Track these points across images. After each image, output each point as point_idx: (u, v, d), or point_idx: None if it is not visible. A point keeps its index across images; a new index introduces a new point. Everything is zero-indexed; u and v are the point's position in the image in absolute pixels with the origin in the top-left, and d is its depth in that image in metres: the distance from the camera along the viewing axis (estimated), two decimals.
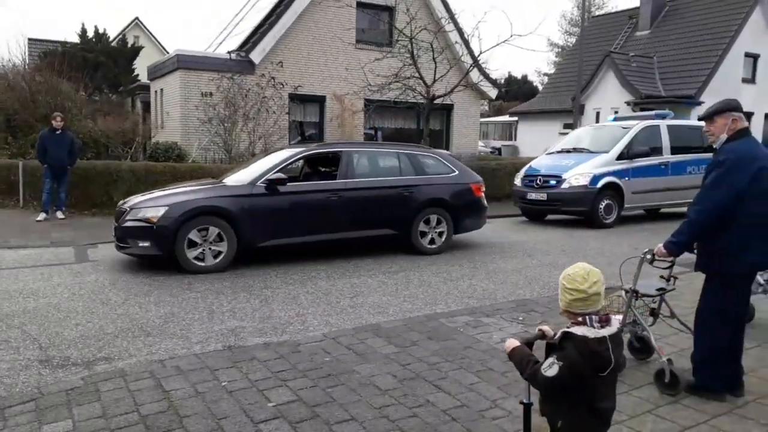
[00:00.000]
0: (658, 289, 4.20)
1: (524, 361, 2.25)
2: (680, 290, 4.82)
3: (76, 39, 25.77)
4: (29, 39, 27.99)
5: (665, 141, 11.88)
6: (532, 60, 77.41)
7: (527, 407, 2.44)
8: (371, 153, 8.69)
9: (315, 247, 7.92)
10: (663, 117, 12.54)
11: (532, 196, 11.65)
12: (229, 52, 15.91)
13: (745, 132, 3.51)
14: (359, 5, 16.83)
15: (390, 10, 16.58)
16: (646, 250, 3.89)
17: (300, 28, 16.47)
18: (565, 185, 11.19)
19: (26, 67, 19.23)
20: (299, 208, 7.55)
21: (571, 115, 25.80)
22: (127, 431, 3.26)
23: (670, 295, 4.34)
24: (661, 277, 4.30)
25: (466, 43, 17.04)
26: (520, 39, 13.83)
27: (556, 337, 2.21)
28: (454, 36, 17.65)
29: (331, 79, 16.90)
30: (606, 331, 2.15)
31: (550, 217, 12.23)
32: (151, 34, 36.65)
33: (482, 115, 40.22)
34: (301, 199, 7.63)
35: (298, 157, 8.14)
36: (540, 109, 30.01)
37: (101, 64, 23.37)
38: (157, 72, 18.08)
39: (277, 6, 16.81)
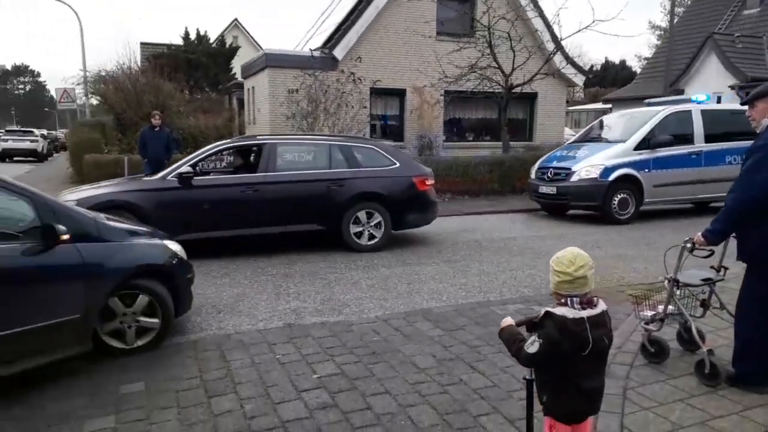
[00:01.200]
0: (703, 279, 4.12)
1: (512, 339, 2.42)
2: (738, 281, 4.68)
3: (180, 41, 27.74)
4: (141, 43, 30.54)
5: (698, 128, 10.72)
6: (632, 44, 73.43)
7: (530, 383, 2.60)
8: (298, 145, 8.21)
9: (240, 240, 7.75)
10: (700, 102, 11.31)
11: (543, 189, 10.96)
12: (311, 50, 16.58)
13: None
14: None
15: (470, 1, 16.55)
16: (687, 238, 3.86)
17: (381, 23, 16.84)
18: (574, 178, 10.40)
19: (138, 69, 21.10)
20: (212, 202, 7.38)
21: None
22: (189, 393, 3.74)
23: (725, 285, 4.23)
24: (711, 266, 4.22)
25: (549, 28, 16.67)
26: (603, 24, 13.36)
27: (539, 316, 2.37)
28: (537, 23, 17.31)
29: (411, 72, 17.15)
30: (585, 313, 2.27)
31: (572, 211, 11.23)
32: (248, 34, 38.65)
33: (576, 103, 39.00)
34: (214, 193, 7.48)
35: (215, 150, 8.02)
36: (634, 96, 28.54)
37: (201, 64, 25.04)
38: (249, 70, 19.17)
39: (359, 2, 17.27)
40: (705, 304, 4.24)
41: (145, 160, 11.66)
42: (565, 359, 2.28)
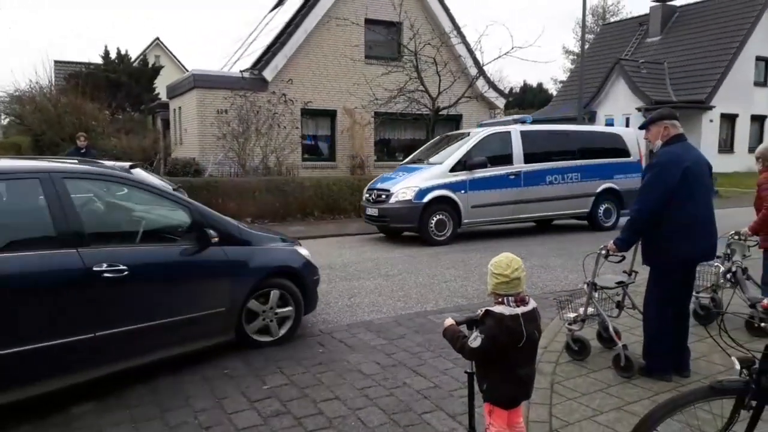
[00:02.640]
0: (617, 283, 4.61)
1: (455, 336, 2.72)
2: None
3: (99, 60, 26.87)
4: (55, 61, 29.27)
5: (517, 149, 10.73)
6: (549, 68, 77.62)
7: (471, 375, 2.90)
8: None
9: None
10: (523, 122, 11.47)
11: (369, 211, 10.78)
12: (241, 71, 16.64)
13: (678, 137, 3.94)
14: (367, 22, 17.46)
15: (397, 26, 17.18)
16: (602, 246, 4.33)
17: (310, 46, 17.15)
18: (392, 200, 10.23)
19: (52, 88, 20.28)
20: None
21: (584, 122, 26.14)
22: (136, 409, 3.79)
23: (637, 289, 4.72)
24: (624, 271, 4.72)
25: (472, 54, 17.55)
26: (521, 51, 14.44)
27: (480, 314, 2.68)
28: (460, 49, 18.17)
29: (341, 94, 17.52)
30: (520, 310, 2.61)
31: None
32: (171, 53, 37.91)
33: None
34: None
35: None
36: (550, 117, 30.27)
37: (123, 84, 24.37)
38: (175, 91, 18.90)
39: (288, 26, 17.52)
40: (620, 305, 4.74)
41: None
42: (503, 351, 2.59)
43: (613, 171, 11.71)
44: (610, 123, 12.78)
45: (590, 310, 4.54)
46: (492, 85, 19.03)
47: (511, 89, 49.68)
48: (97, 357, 3.86)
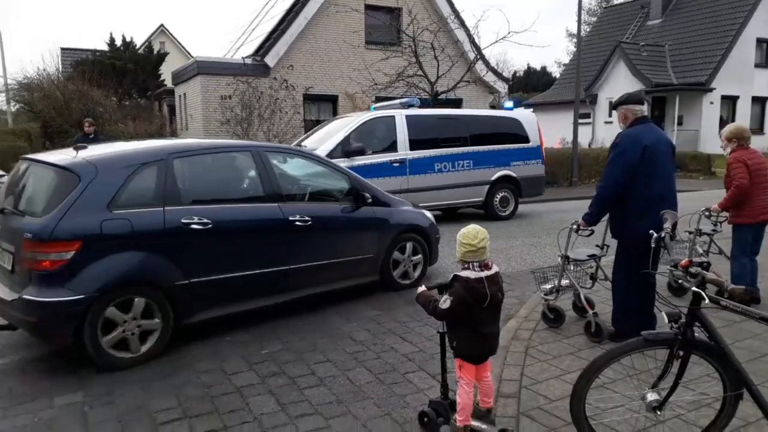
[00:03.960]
0: (589, 255, 4.95)
1: (427, 301, 3.07)
2: None
3: (105, 47, 27.14)
4: (62, 48, 29.56)
5: (402, 135, 9.95)
6: (552, 51, 77.20)
7: (442, 336, 3.26)
8: None
9: None
10: (410, 106, 10.62)
11: None
12: (243, 58, 16.91)
13: (642, 119, 4.26)
14: (367, 8, 17.67)
15: (396, 12, 17.37)
16: (573, 221, 4.66)
17: (311, 32, 17.39)
18: None
19: (60, 75, 20.60)
20: None
21: (585, 105, 26.25)
22: (143, 371, 4.18)
23: (609, 260, 5.04)
24: (596, 245, 5.05)
25: (470, 38, 17.75)
26: (520, 35, 14.47)
27: (448, 280, 3.03)
28: (459, 34, 18.36)
29: (342, 79, 17.78)
30: (484, 274, 2.95)
31: None
32: (176, 39, 38.11)
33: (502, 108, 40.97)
34: None
35: None
36: (554, 100, 30.40)
37: (129, 70, 24.65)
38: (180, 77, 19.21)
39: (288, 12, 17.75)
40: (593, 277, 5.08)
41: None
42: (470, 311, 2.94)
43: (511, 157, 10.97)
44: (509, 109, 12.13)
45: (564, 282, 4.89)
46: (492, 69, 19.23)
47: (515, 73, 49.67)
48: (290, 283, 5.22)
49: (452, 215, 11.60)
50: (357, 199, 5.71)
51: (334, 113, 18.31)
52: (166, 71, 26.04)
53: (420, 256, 6.36)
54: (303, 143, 10.27)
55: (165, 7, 73.12)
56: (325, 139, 9.83)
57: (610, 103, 26.24)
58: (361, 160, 9.48)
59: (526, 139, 11.34)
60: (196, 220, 4.50)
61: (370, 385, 3.89)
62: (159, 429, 3.34)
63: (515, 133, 11.29)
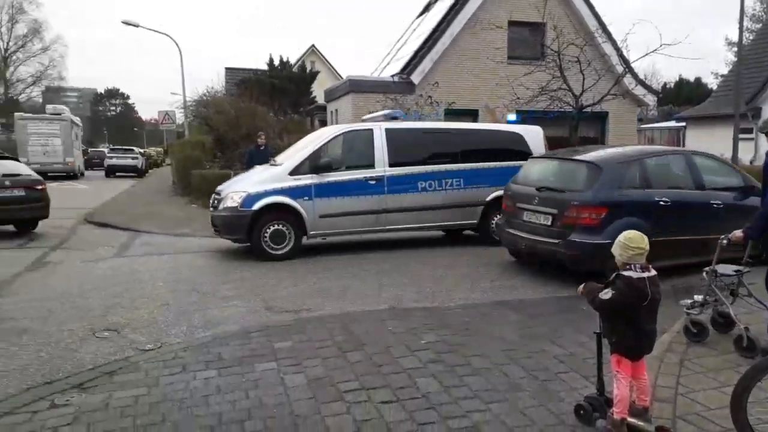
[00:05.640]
0: (735, 271, 4.85)
1: (592, 290, 3.33)
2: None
3: (264, 67, 29.86)
4: (226, 68, 33.00)
5: (380, 150, 9.15)
6: (709, 62, 71.29)
7: (598, 335, 3.50)
8: None
9: None
10: (394, 118, 10.00)
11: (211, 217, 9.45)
12: (392, 76, 17.84)
13: None
14: (511, 24, 17.86)
15: (540, 27, 17.38)
16: (723, 236, 4.62)
17: (455, 49, 17.93)
18: (222, 206, 8.84)
19: (225, 92, 23.14)
20: None
21: (746, 119, 24.11)
22: (324, 349, 4.81)
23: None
24: (741, 261, 4.92)
25: (618, 51, 17.24)
26: (671, 48, 13.61)
27: (610, 279, 3.27)
28: (606, 48, 17.90)
29: (484, 94, 18.08)
30: (645, 274, 3.17)
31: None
32: (325, 59, 40.71)
33: (650, 121, 38.68)
34: None
35: None
36: (710, 114, 28.22)
37: (286, 88, 26.91)
38: (332, 95, 20.68)
39: (434, 31, 18.44)
40: (734, 293, 4.91)
41: None
42: (631, 308, 3.17)
43: (510, 176, 8.61)
44: (512, 122, 10.92)
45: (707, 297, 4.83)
46: (640, 81, 18.47)
47: (665, 84, 46.64)
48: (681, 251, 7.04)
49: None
50: (747, 192, 7.45)
51: None
52: (316, 88, 28.03)
53: None
54: (276, 158, 9.86)
55: (313, 28, 77.98)
56: (293, 154, 9.44)
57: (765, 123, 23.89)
58: (332, 177, 8.88)
59: (529, 156, 9.56)
60: (663, 199, 7.01)
61: (524, 380, 4.19)
62: (342, 396, 3.91)
63: (517, 149, 10.04)
